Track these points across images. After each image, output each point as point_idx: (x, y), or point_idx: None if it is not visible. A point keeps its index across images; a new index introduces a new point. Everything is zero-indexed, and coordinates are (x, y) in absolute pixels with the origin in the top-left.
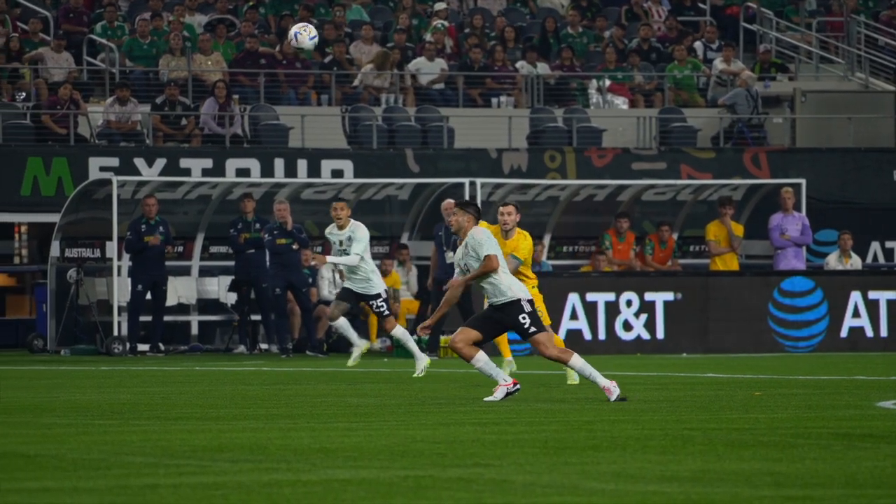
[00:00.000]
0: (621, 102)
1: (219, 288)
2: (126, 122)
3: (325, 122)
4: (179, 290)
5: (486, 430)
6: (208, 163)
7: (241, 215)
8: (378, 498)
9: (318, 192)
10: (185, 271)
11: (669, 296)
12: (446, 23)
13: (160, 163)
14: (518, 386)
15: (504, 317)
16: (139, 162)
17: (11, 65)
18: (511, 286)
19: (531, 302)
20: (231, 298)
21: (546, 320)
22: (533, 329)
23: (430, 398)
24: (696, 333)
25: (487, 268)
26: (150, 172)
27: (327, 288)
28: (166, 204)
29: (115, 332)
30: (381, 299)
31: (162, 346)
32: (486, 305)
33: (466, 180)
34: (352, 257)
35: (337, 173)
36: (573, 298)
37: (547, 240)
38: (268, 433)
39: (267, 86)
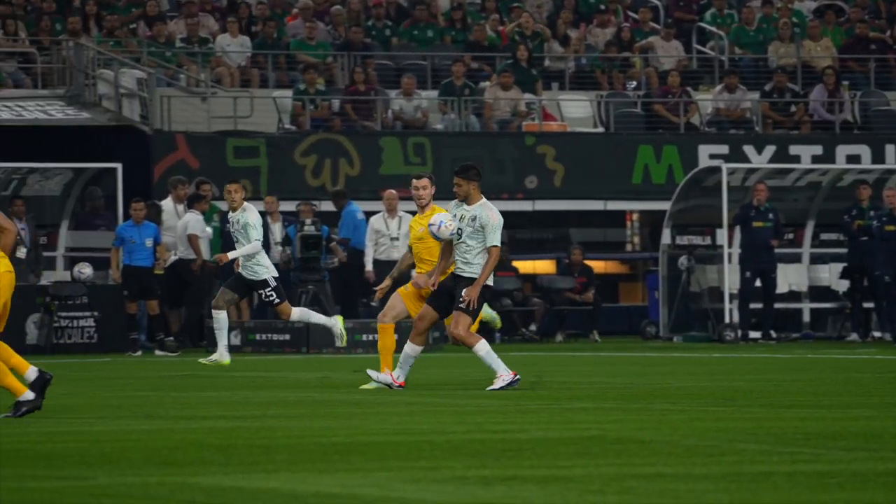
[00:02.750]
0: None
1: (830, 275)
2: (735, 109)
3: None
4: (790, 278)
5: None
6: (818, 149)
7: (855, 202)
8: None
9: None
10: (796, 258)
11: None
12: None
13: (769, 150)
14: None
15: (455, 288)
16: (748, 149)
17: (622, 54)
18: (478, 263)
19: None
20: (843, 286)
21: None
22: (462, 305)
23: None
24: None
25: (497, 259)
26: (759, 160)
27: None
28: (776, 191)
29: (727, 320)
30: (269, 288)
31: (773, 334)
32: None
33: None
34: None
35: None
36: None
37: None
38: (882, 422)
39: (877, 71)
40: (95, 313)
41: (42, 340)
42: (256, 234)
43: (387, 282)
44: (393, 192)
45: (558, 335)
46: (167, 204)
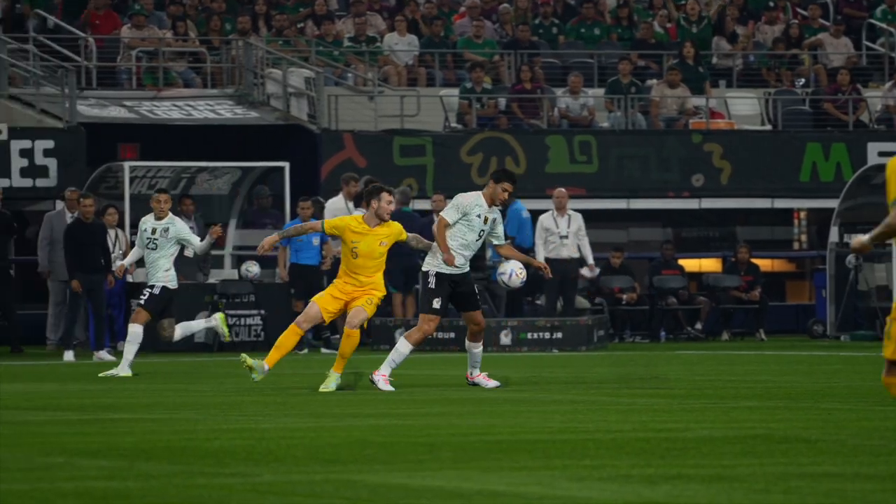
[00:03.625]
0: None
1: None
2: None
3: None
4: None
5: None
6: None
7: None
8: None
9: None
10: None
11: None
12: None
13: None
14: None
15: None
16: None
17: (791, 51)
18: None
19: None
20: None
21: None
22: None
23: None
24: None
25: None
26: None
27: None
28: None
29: None
30: (150, 290)
31: None
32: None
33: None
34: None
35: None
36: None
37: None
38: None
39: None
40: (262, 311)
41: (209, 338)
42: (196, 240)
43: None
44: (562, 190)
45: (724, 334)
46: (338, 201)
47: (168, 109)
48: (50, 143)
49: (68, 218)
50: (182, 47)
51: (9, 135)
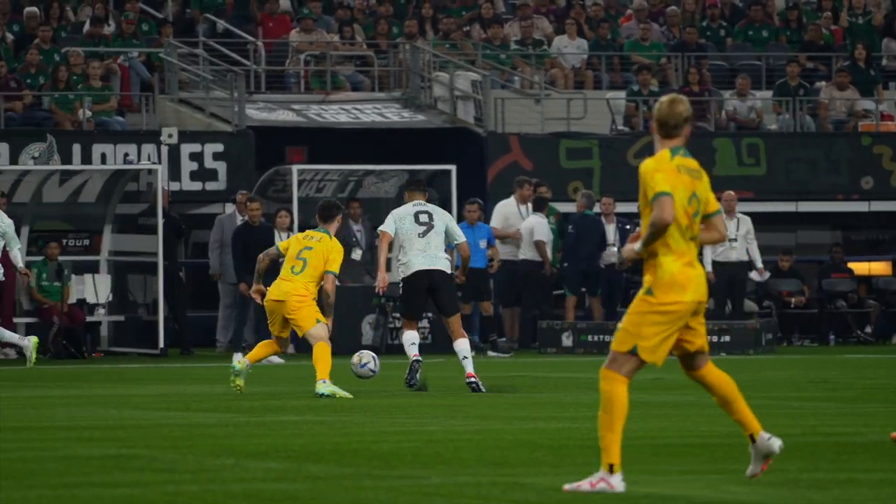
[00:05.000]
0: None
1: None
2: None
3: None
4: None
5: None
6: None
7: None
8: None
9: None
10: None
11: None
12: None
13: None
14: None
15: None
16: None
17: None
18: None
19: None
20: None
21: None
22: None
23: None
24: None
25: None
26: None
27: None
28: None
29: None
30: None
31: None
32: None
33: None
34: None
35: None
36: None
37: None
38: None
39: None
40: (429, 314)
41: (377, 341)
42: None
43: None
44: (731, 193)
45: (894, 337)
46: (510, 203)
47: (336, 113)
48: (219, 147)
49: (238, 221)
50: (349, 51)
51: (179, 138)
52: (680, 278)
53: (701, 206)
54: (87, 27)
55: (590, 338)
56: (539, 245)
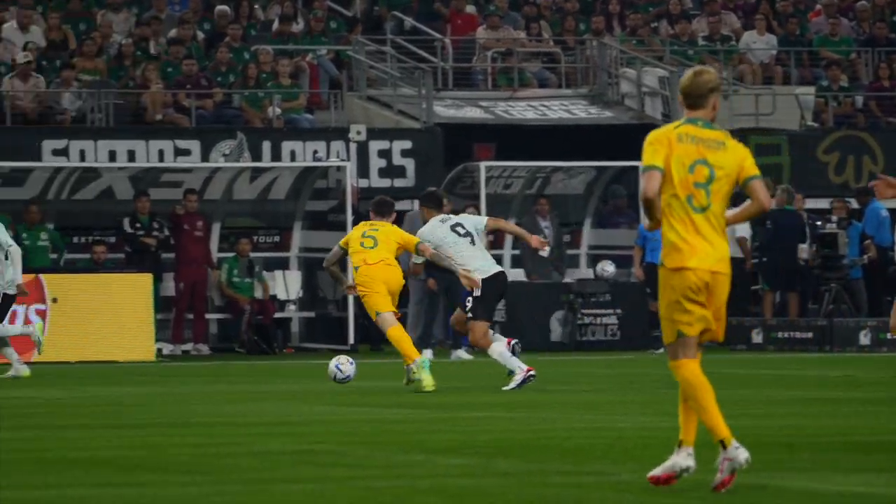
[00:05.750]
0: None
1: None
2: None
3: None
4: None
5: None
6: None
7: None
8: None
9: None
10: None
11: None
12: None
13: None
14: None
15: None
16: None
17: None
18: None
19: None
20: None
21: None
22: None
23: None
24: None
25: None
26: None
27: None
28: None
29: None
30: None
31: None
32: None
33: None
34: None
35: None
36: None
37: None
38: None
39: None
40: (618, 311)
41: (566, 337)
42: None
43: None
44: None
45: None
46: None
47: (523, 109)
48: (407, 144)
49: None
50: (536, 48)
51: (367, 136)
52: (681, 245)
53: (716, 175)
54: (275, 25)
55: (779, 334)
56: (741, 242)
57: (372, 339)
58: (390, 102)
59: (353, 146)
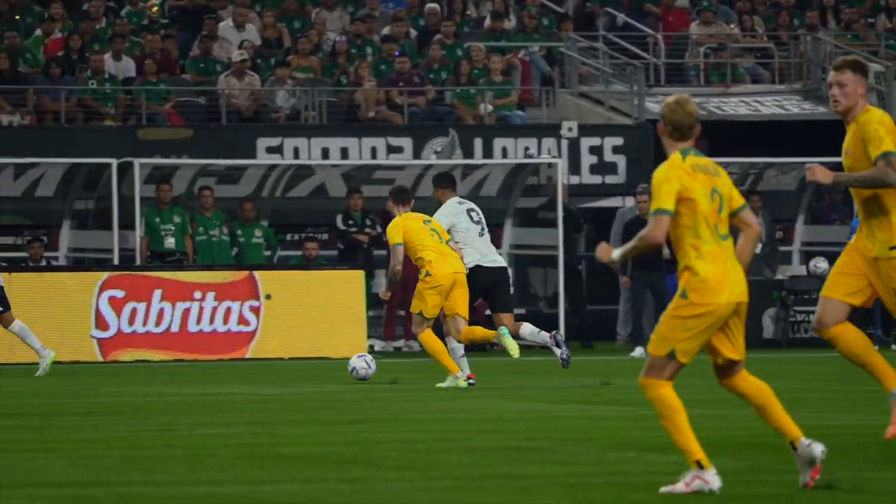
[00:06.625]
0: None
1: None
2: None
3: None
4: None
5: None
6: None
7: None
8: None
9: None
10: None
11: None
12: None
13: None
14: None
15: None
16: None
17: None
18: None
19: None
20: None
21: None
22: None
23: None
24: None
25: None
26: None
27: None
28: None
29: None
30: None
31: None
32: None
33: None
34: None
35: None
36: None
37: None
38: None
39: None
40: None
41: (778, 335)
42: None
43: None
44: None
45: None
46: None
47: (735, 105)
48: (619, 140)
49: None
50: (750, 43)
51: (578, 132)
52: (713, 281)
53: (724, 202)
54: (487, 22)
55: None
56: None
57: (583, 335)
58: (602, 99)
59: (564, 143)
